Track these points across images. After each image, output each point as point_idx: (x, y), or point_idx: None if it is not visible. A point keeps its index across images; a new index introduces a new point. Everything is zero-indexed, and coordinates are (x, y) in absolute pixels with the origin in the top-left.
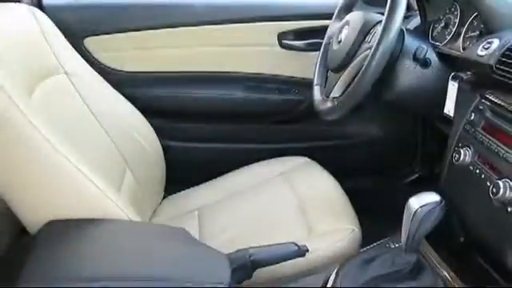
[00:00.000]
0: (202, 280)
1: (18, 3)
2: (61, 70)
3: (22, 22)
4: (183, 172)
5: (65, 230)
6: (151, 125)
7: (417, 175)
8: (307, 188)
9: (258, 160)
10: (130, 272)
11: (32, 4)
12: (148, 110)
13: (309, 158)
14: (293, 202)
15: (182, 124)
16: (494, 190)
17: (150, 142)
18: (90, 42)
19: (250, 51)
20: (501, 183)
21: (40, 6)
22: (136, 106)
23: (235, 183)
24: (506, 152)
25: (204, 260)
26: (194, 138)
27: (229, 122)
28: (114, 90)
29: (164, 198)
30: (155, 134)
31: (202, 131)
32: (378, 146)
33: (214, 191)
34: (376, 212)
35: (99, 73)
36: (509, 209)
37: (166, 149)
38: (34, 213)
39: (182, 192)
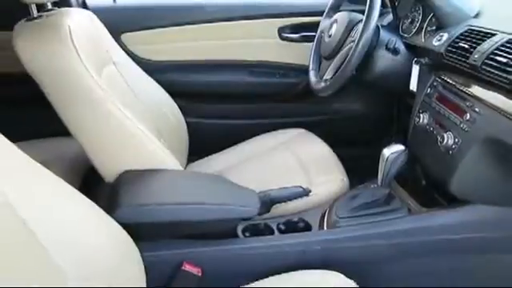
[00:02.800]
0: (243, 205)
1: (81, 8)
2: (111, 60)
3: (86, 22)
4: (201, 143)
5: (137, 176)
6: None
7: (393, 142)
8: (305, 152)
9: (263, 132)
10: (190, 200)
11: (78, 6)
12: (172, 92)
13: (305, 129)
14: (295, 163)
15: (200, 104)
16: (441, 139)
17: (175, 117)
18: (126, 38)
19: (254, 43)
20: (445, 135)
21: (85, 8)
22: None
23: (246, 151)
24: (450, 114)
25: (242, 194)
26: (209, 115)
27: (238, 101)
28: (147, 75)
29: (186, 166)
30: (180, 111)
31: (217, 109)
32: (361, 119)
33: (228, 158)
34: (360, 171)
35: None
36: (450, 152)
37: (187, 124)
38: (109, 163)
39: (202, 160)
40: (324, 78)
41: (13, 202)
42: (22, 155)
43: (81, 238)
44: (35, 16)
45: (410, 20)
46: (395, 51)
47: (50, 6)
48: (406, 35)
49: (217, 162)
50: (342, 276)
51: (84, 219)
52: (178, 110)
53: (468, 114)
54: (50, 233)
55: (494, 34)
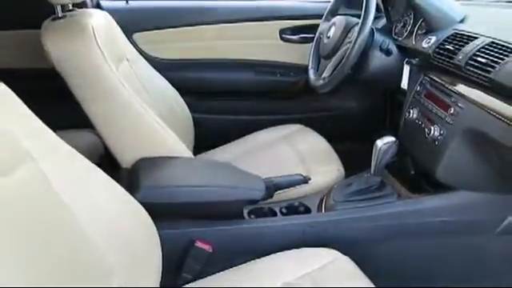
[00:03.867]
0: (250, 188)
1: (98, 9)
2: (125, 57)
3: (104, 22)
4: (206, 138)
5: (154, 162)
6: None
7: (385, 135)
8: (304, 145)
9: (265, 127)
10: (206, 182)
11: (92, 6)
12: (179, 88)
13: (303, 125)
14: (294, 155)
15: (205, 100)
16: (428, 132)
17: (183, 112)
18: (137, 37)
19: (258, 43)
20: (432, 128)
21: (99, 8)
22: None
23: (248, 145)
24: (436, 109)
25: (249, 178)
26: (214, 111)
27: (242, 98)
28: (157, 72)
29: None
30: (187, 106)
31: (221, 106)
32: (356, 116)
33: (232, 151)
34: (355, 163)
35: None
36: (436, 143)
37: (193, 119)
38: (126, 151)
39: (207, 152)
40: (323, 76)
41: (50, 179)
42: (56, 138)
43: (108, 213)
44: (60, 16)
45: (402, 24)
46: (388, 52)
47: (70, 7)
48: (398, 38)
49: (221, 155)
50: (338, 252)
51: (110, 197)
52: (185, 105)
53: (452, 109)
54: (82, 207)
55: (476, 38)
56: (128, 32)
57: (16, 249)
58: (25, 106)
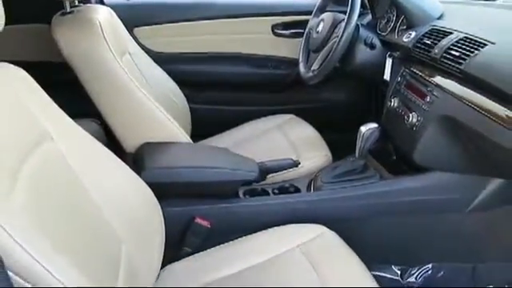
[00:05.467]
0: (246, 170)
1: (101, 5)
2: (127, 50)
3: (109, 17)
4: (203, 127)
5: (157, 146)
6: None
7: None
8: (295, 134)
9: (258, 117)
10: (205, 164)
11: (96, 2)
12: (177, 80)
13: (294, 115)
14: (286, 142)
15: (202, 91)
16: (407, 118)
17: (180, 102)
18: (138, 31)
19: (251, 38)
20: (410, 115)
21: (102, 3)
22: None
23: (243, 133)
24: (415, 98)
25: (245, 161)
26: (210, 102)
27: (236, 90)
28: (156, 65)
29: None
30: (184, 97)
31: (217, 97)
32: (343, 106)
33: (227, 139)
34: (342, 149)
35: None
36: (414, 128)
37: (190, 109)
38: (130, 136)
39: (203, 141)
40: (312, 68)
41: (68, 158)
42: (73, 123)
43: (118, 190)
44: (69, 11)
45: (386, 20)
46: (372, 46)
47: (76, 3)
48: (382, 33)
49: (217, 143)
50: (325, 227)
51: (120, 177)
52: (183, 96)
53: (428, 97)
54: (95, 185)
55: (451, 33)
56: (129, 26)
57: (43, 217)
58: (43, 92)
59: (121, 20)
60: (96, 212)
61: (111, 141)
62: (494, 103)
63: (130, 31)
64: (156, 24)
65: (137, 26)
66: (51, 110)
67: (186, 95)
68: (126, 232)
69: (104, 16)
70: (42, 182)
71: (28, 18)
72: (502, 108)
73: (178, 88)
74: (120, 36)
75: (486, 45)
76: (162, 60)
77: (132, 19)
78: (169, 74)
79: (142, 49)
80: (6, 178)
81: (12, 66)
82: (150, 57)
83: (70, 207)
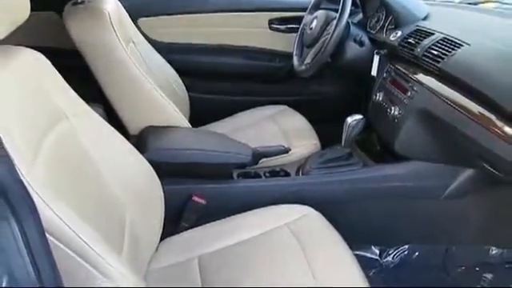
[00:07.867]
0: (240, 153)
1: None
2: (131, 40)
3: (116, 8)
4: (201, 115)
5: (159, 129)
6: None
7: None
8: (286, 123)
9: (253, 107)
10: (203, 146)
11: None
12: (178, 69)
13: (287, 106)
14: (278, 131)
15: (201, 81)
16: (390, 111)
17: (180, 91)
18: (142, 22)
19: (249, 32)
20: (393, 108)
21: None
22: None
23: (238, 121)
24: (398, 93)
25: (240, 146)
26: (208, 91)
27: (233, 81)
28: (158, 54)
29: None
30: (184, 86)
31: (215, 87)
32: (333, 99)
33: (223, 126)
34: (330, 139)
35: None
36: (395, 120)
37: (189, 97)
38: (134, 119)
39: (202, 127)
40: (305, 62)
41: (80, 136)
42: (86, 105)
43: (124, 166)
44: (80, 1)
45: (376, 19)
46: (361, 43)
47: None
48: (371, 31)
49: (215, 130)
50: (310, 208)
51: (126, 155)
52: (183, 85)
53: (409, 92)
54: (104, 161)
55: (433, 33)
56: (133, 17)
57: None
58: (59, 75)
59: (126, 10)
60: (105, 183)
61: (113, 126)
62: (466, 99)
63: (135, 21)
64: (159, 15)
65: (141, 17)
66: (66, 92)
67: (185, 84)
68: (131, 202)
69: (112, 6)
70: (58, 156)
71: (41, 6)
72: (474, 104)
73: (178, 77)
74: (125, 26)
75: (462, 45)
76: (165, 50)
77: (137, 10)
78: (170, 63)
79: (146, 39)
80: (32, 150)
81: (31, 50)
82: (153, 46)
83: (82, 178)
